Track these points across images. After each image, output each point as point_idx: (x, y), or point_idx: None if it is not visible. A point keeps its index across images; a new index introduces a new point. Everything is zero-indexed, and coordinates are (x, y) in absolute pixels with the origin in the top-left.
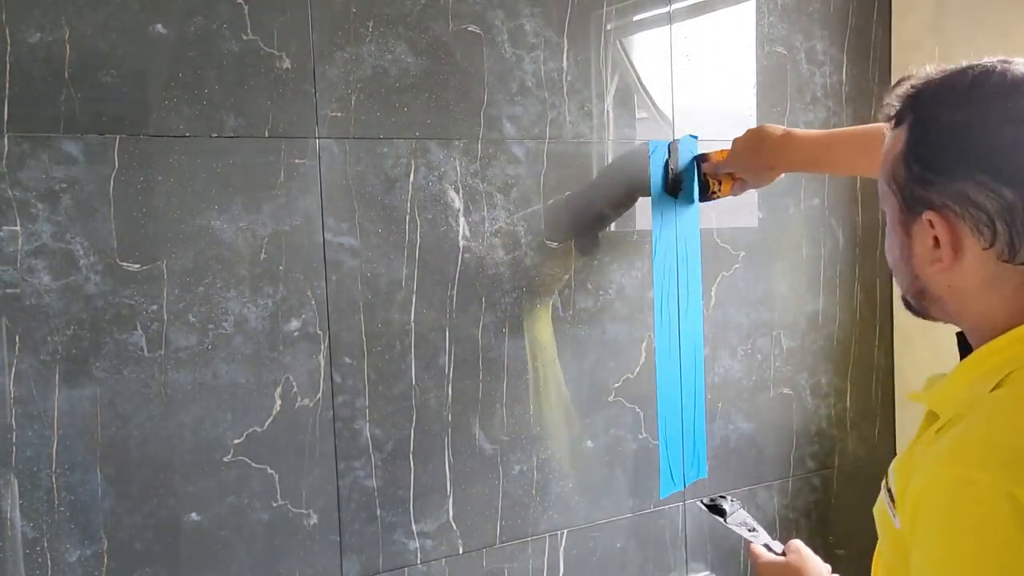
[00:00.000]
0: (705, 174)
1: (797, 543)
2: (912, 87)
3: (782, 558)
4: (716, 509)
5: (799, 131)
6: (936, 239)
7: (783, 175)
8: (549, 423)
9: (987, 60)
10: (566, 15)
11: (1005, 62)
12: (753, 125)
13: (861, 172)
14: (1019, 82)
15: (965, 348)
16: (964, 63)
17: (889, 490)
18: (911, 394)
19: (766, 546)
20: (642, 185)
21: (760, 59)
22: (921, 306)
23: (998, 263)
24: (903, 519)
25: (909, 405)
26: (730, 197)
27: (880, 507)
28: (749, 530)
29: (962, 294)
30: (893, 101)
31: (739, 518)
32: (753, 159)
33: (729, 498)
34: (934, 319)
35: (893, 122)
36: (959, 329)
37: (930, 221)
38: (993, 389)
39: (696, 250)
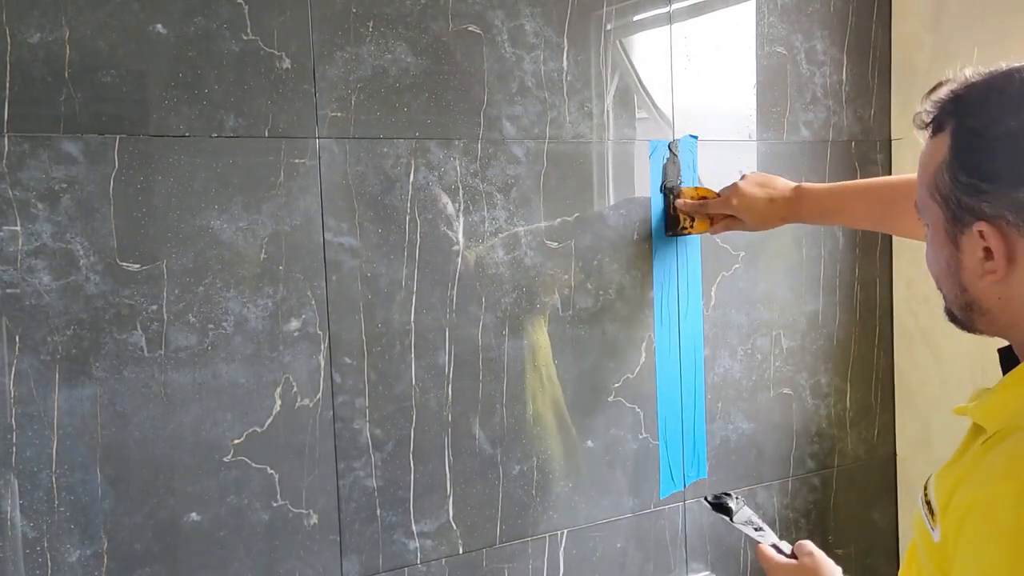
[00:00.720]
0: (675, 208)
1: (808, 544)
2: (952, 92)
3: (794, 561)
4: (722, 507)
5: (810, 185)
6: (987, 250)
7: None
8: (549, 423)
9: None
10: (566, 15)
11: None
12: (753, 125)
13: (872, 225)
14: None
15: (1009, 362)
16: (1005, 65)
17: (928, 503)
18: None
19: (774, 546)
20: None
21: (760, 59)
22: (968, 319)
23: None
24: (945, 532)
25: (909, 405)
26: (707, 233)
27: (918, 520)
28: (756, 529)
29: (1012, 305)
30: (929, 107)
31: (744, 516)
32: (767, 210)
33: (734, 496)
34: (980, 332)
35: (930, 130)
36: (1002, 344)
37: (981, 232)
38: None
39: (696, 250)
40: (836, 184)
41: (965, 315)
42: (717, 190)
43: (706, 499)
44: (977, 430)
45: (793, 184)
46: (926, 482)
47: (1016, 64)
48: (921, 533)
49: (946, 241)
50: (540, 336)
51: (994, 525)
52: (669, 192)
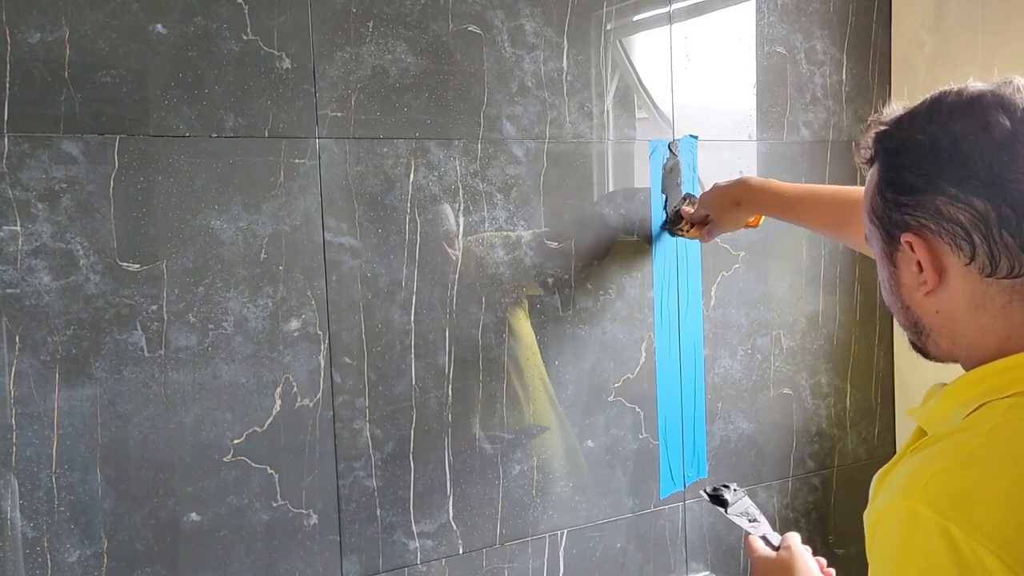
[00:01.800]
0: (681, 210)
1: (791, 538)
2: (882, 124)
3: (774, 553)
4: (718, 499)
5: (777, 182)
6: (919, 264)
7: (758, 226)
8: (549, 423)
9: (944, 88)
10: (566, 15)
11: (961, 86)
12: (753, 125)
13: (830, 232)
14: (975, 96)
15: None
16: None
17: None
18: (907, 410)
19: (764, 538)
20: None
21: (760, 59)
22: (920, 342)
23: (982, 279)
24: (867, 534)
25: (909, 405)
26: (697, 240)
27: (866, 517)
28: (750, 520)
29: (951, 320)
30: (866, 144)
31: (741, 507)
32: (724, 194)
33: (732, 487)
34: (936, 358)
35: (868, 164)
36: None
37: (909, 244)
38: (966, 416)
39: (696, 250)
40: (804, 185)
41: (916, 337)
42: None
43: (704, 491)
44: (919, 432)
45: (764, 179)
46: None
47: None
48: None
49: (886, 262)
50: (538, 336)
51: (885, 539)
52: (687, 198)
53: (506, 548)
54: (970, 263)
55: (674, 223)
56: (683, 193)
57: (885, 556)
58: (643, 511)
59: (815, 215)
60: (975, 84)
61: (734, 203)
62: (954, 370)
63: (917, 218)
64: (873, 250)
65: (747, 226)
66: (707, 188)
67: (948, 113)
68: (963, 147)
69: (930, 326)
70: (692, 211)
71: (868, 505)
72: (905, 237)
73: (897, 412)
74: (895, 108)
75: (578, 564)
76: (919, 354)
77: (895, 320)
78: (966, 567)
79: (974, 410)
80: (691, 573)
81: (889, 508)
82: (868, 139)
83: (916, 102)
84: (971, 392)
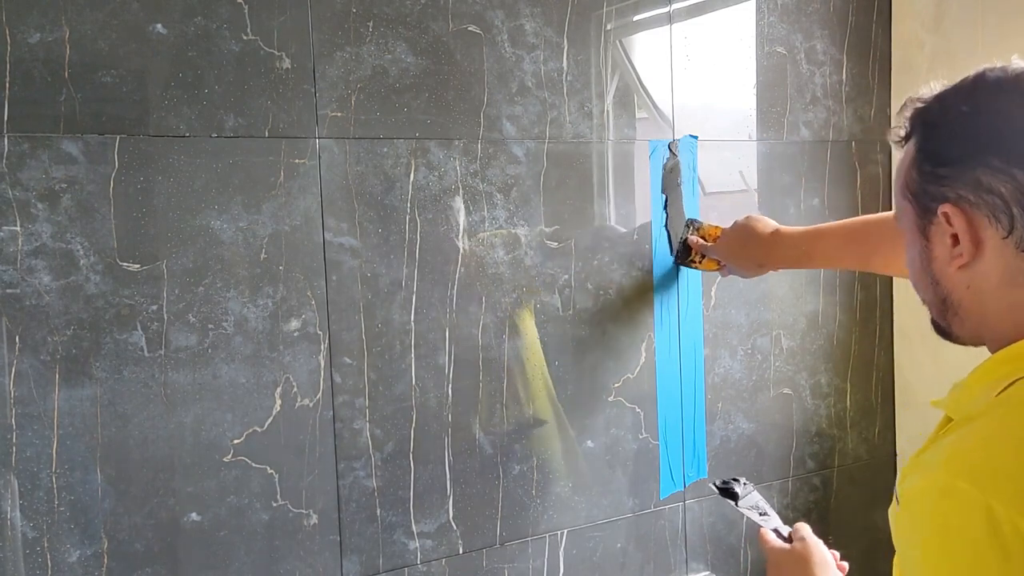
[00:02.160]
0: (687, 240)
1: (803, 529)
2: (920, 101)
3: (788, 545)
4: (728, 492)
5: (787, 229)
6: (955, 237)
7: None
8: (549, 423)
9: (987, 65)
10: (566, 15)
11: (1005, 64)
12: (753, 125)
13: (850, 265)
14: (1020, 72)
15: None
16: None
17: (897, 495)
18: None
19: (776, 531)
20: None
21: (760, 59)
22: (945, 321)
23: (1017, 254)
24: (895, 520)
25: (909, 405)
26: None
27: (892, 511)
28: (760, 514)
29: (981, 296)
30: (900, 124)
31: (751, 501)
32: (742, 255)
33: (742, 481)
34: (959, 339)
35: (903, 141)
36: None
37: (946, 215)
38: (999, 394)
39: None
40: (812, 227)
41: (942, 315)
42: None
43: (714, 484)
44: (946, 420)
45: (773, 227)
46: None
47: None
48: (892, 525)
49: (918, 236)
50: (539, 335)
51: (922, 517)
52: (690, 225)
53: (506, 548)
54: (1007, 236)
55: (684, 255)
56: (685, 219)
57: (920, 533)
58: (643, 511)
59: (832, 256)
60: (1019, 62)
61: (756, 265)
62: (959, 367)
63: (955, 189)
64: (902, 229)
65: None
66: (710, 222)
67: (994, 87)
68: (1009, 119)
69: (959, 302)
70: (698, 240)
71: (894, 497)
72: (943, 208)
73: (897, 412)
74: (933, 87)
75: (578, 564)
76: (941, 335)
77: (921, 298)
78: (1005, 541)
79: (1005, 388)
80: (691, 573)
81: (924, 486)
82: (904, 117)
83: (956, 81)
84: (1001, 371)
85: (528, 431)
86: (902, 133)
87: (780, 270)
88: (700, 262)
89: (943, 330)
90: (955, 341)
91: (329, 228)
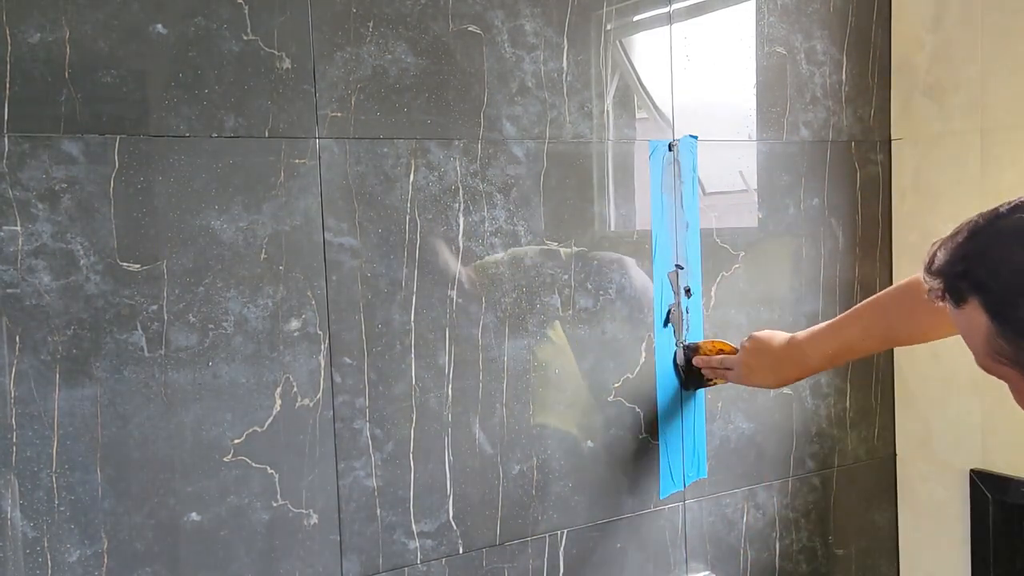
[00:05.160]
0: (694, 365)
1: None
2: (956, 257)
3: (743, 350)
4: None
5: (801, 336)
6: None
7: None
8: (549, 423)
9: (1006, 204)
10: (566, 15)
11: (995, 210)
12: (753, 125)
13: (876, 349)
14: None
15: None
16: (977, 217)
17: None
18: None
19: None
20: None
21: (760, 59)
22: None
23: None
24: None
25: (909, 405)
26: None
27: None
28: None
29: None
30: (937, 283)
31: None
32: (762, 373)
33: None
34: None
35: (951, 302)
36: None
37: None
38: None
39: (696, 250)
40: (824, 325)
41: None
42: (732, 343)
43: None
44: None
45: (786, 337)
46: None
47: (993, 210)
48: None
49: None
50: (539, 335)
51: None
52: (687, 349)
53: (506, 548)
54: None
55: (696, 381)
56: (680, 346)
57: None
58: (643, 511)
59: (862, 343)
60: (1008, 206)
61: (780, 380)
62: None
63: None
64: (1005, 378)
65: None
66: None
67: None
68: None
69: None
70: (705, 360)
71: None
72: None
73: (897, 412)
74: (960, 238)
75: (578, 564)
76: None
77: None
78: None
79: None
80: (691, 573)
81: None
82: (936, 276)
83: (976, 224)
84: None
85: (528, 431)
86: (942, 293)
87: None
88: (713, 381)
89: None
90: None
91: (329, 228)
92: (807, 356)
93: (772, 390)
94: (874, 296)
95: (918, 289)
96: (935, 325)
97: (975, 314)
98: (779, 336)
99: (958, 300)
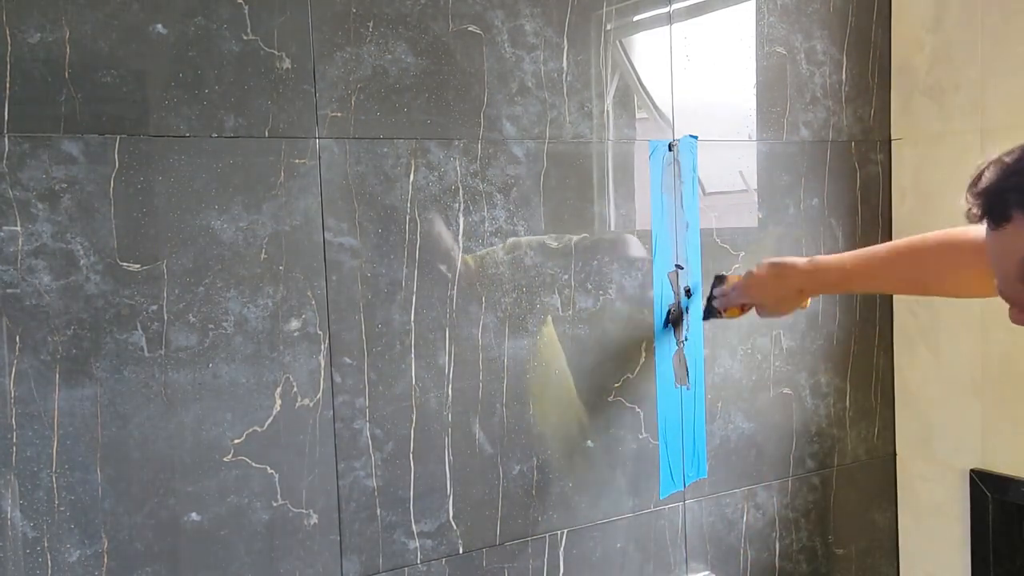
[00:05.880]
0: (714, 297)
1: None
2: (1000, 179)
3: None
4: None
5: (826, 258)
6: None
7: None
8: (549, 423)
9: None
10: (566, 15)
11: None
12: (753, 125)
13: (900, 289)
14: None
15: None
16: None
17: None
18: None
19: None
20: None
21: (760, 59)
22: None
23: None
24: None
25: (909, 405)
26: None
27: None
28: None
29: None
30: (979, 202)
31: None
32: (780, 286)
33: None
34: None
35: (990, 221)
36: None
37: None
38: None
39: (696, 250)
40: (857, 252)
41: None
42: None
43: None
44: None
45: (808, 258)
46: None
47: None
48: None
49: None
50: (540, 335)
51: None
52: (718, 280)
53: (506, 548)
54: None
55: (710, 311)
56: (712, 279)
57: None
58: (643, 511)
59: (887, 280)
60: None
61: (795, 291)
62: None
63: None
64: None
65: (800, 308)
66: (734, 279)
67: None
68: None
69: None
70: (725, 289)
71: None
72: None
73: (897, 412)
74: (1008, 158)
75: (578, 564)
76: None
77: None
78: None
79: None
80: (691, 573)
81: None
82: (979, 195)
83: (1011, 155)
84: None
85: (528, 431)
86: (982, 212)
87: (820, 295)
88: (725, 313)
89: None
90: None
91: (329, 228)
92: (823, 272)
93: (772, 391)
94: (907, 243)
95: (960, 244)
96: (974, 281)
97: (1016, 234)
98: (798, 258)
99: (1000, 219)
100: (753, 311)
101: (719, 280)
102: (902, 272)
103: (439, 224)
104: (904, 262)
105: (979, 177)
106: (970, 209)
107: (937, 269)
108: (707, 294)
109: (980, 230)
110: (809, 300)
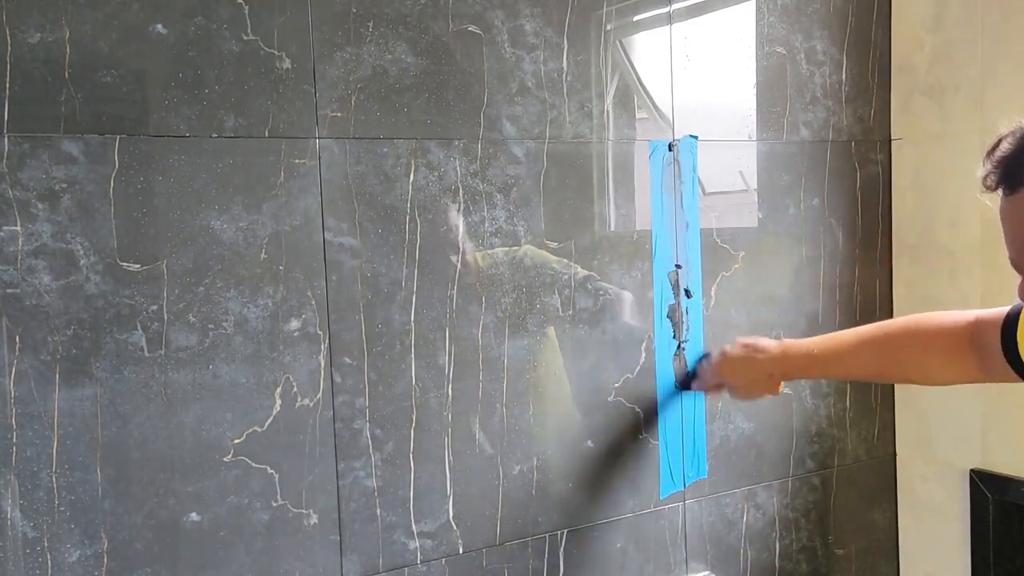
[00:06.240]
0: (695, 375)
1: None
2: (1018, 144)
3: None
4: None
5: (798, 342)
6: None
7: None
8: (549, 423)
9: None
10: (566, 15)
11: None
12: (753, 125)
13: (874, 378)
14: None
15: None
16: None
17: None
18: None
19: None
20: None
21: (760, 59)
22: None
23: None
24: None
25: (909, 405)
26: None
27: None
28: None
29: None
30: (996, 167)
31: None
32: (751, 370)
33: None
34: None
35: (1005, 188)
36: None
37: None
38: None
39: (696, 250)
40: (826, 337)
41: None
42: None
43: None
44: None
45: (777, 342)
46: None
47: None
48: None
49: None
50: (540, 335)
51: None
52: (704, 358)
53: (506, 548)
54: None
55: (688, 382)
56: (677, 347)
57: None
58: (643, 511)
59: (853, 368)
60: None
61: (765, 375)
62: None
63: None
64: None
65: (772, 394)
66: (713, 351)
67: None
68: None
69: None
70: (704, 368)
71: None
72: None
73: (897, 412)
74: (1011, 132)
75: (578, 564)
76: None
77: None
78: None
79: None
80: (691, 573)
81: None
82: (999, 161)
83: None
84: None
85: (528, 431)
86: (999, 179)
87: (792, 380)
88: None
89: None
90: None
91: (329, 228)
92: (790, 359)
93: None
94: (873, 329)
95: (926, 329)
96: (940, 369)
97: None
98: (769, 341)
99: (1016, 184)
100: (726, 392)
101: (706, 358)
102: (868, 360)
103: (452, 215)
104: (868, 350)
105: (996, 146)
106: (987, 176)
107: (901, 358)
108: (690, 370)
109: (946, 315)
110: (782, 386)
